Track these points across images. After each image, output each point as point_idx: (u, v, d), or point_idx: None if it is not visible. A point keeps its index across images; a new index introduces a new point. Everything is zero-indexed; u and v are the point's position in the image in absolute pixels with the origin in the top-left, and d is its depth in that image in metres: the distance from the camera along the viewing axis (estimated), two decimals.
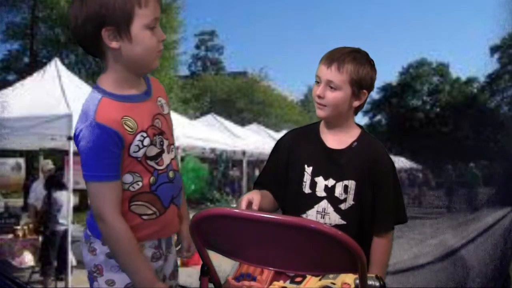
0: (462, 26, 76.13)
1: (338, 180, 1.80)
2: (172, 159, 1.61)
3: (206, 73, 40.31)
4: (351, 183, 1.80)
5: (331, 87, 1.78)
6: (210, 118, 15.99)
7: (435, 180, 27.64)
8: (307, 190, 1.83)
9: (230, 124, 16.02)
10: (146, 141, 1.51)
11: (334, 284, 1.57)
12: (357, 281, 1.37)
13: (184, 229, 1.71)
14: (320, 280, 1.59)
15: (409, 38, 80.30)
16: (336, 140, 1.85)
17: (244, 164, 14.92)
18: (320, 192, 1.81)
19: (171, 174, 1.59)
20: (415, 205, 20.71)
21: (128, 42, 1.45)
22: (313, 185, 1.82)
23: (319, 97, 1.80)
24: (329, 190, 1.80)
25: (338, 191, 1.80)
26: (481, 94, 42.40)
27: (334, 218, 1.79)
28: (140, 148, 1.50)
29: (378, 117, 49.28)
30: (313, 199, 1.81)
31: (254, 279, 1.64)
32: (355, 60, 1.78)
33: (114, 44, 1.45)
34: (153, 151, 1.53)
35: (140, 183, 1.52)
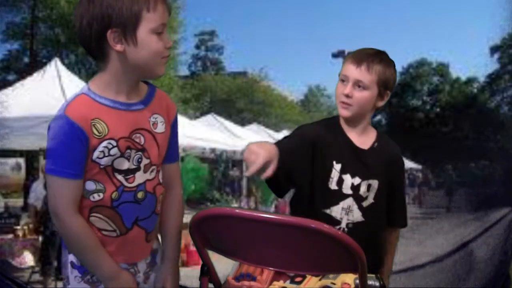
0: (462, 26, 76.14)
1: (363, 179, 1.84)
2: (149, 180, 1.51)
3: (206, 73, 40.27)
4: (374, 182, 1.85)
5: (359, 86, 1.81)
6: (210, 118, 15.98)
7: (435, 180, 27.65)
8: (333, 186, 1.84)
9: (230, 124, 16.01)
10: (114, 151, 1.43)
11: (334, 284, 1.57)
12: (357, 281, 1.37)
13: (164, 269, 1.60)
14: (320, 280, 1.59)
15: (409, 38, 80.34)
16: (360, 139, 1.89)
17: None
18: (347, 189, 1.84)
19: (140, 194, 1.49)
20: (415, 205, 20.72)
21: (133, 46, 1.42)
22: (340, 182, 1.84)
23: (347, 96, 1.82)
24: (355, 188, 1.84)
25: (363, 189, 1.84)
26: (481, 94, 42.39)
27: (357, 215, 1.83)
28: (104, 155, 1.43)
29: (378, 117, 49.23)
30: (339, 196, 1.83)
31: (254, 279, 1.64)
32: (383, 61, 1.83)
33: (118, 47, 1.41)
34: (124, 165, 1.46)
35: (102, 195, 1.45)
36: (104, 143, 1.42)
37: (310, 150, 1.82)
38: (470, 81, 45.35)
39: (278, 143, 1.73)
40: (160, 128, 1.55)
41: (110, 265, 1.46)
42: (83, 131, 1.39)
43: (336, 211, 1.82)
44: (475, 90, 44.43)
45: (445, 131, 42.86)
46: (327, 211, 1.82)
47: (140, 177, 1.49)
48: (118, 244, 1.49)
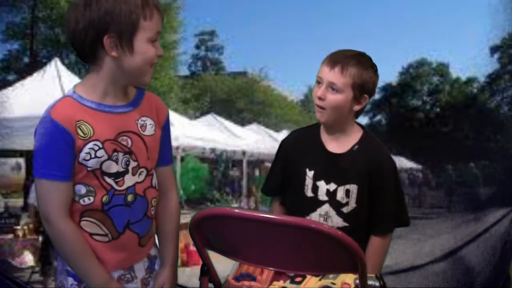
0: (462, 26, 75.85)
1: (339, 184, 1.80)
2: (138, 182, 1.50)
3: (206, 73, 40.26)
4: (353, 187, 1.80)
5: (333, 89, 1.76)
6: (210, 118, 15.99)
7: (435, 180, 27.63)
8: (309, 193, 1.83)
9: (230, 124, 16.02)
10: (100, 153, 1.42)
11: (334, 284, 1.57)
12: (357, 281, 1.37)
13: (161, 274, 1.59)
14: (320, 280, 1.59)
15: (409, 38, 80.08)
16: (337, 144, 1.84)
17: (244, 164, 14.93)
18: (322, 196, 1.81)
19: (130, 197, 1.48)
20: (415, 205, 20.70)
21: (128, 53, 1.42)
22: (315, 189, 1.82)
23: (319, 98, 1.78)
24: (331, 194, 1.81)
25: (340, 195, 1.80)
26: (481, 94, 42.33)
27: (337, 221, 1.80)
28: (91, 157, 1.42)
29: (378, 117, 49.24)
30: (315, 203, 1.82)
31: (254, 279, 1.64)
32: (359, 64, 1.77)
33: (113, 53, 1.41)
34: (113, 168, 1.45)
35: (92, 198, 1.44)
36: (90, 145, 1.41)
37: (289, 164, 1.89)
38: (470, 81, 45.30)
39: (270, 174, 1.99)
40: (149, 130, 1.54)
41: (101, 273, 1.44)
42: (69, 132, 1.39)
43: (314, 218, 1.81)
44: (475, 90, 44.37)
45: (445, 131, 42.83)
46: (307, 218, 1.80)
47: (129, 180, 1.49)
48: (110, 249, 1.48)
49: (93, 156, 1.42)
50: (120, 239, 1.49)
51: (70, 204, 1.43)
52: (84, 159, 1.42)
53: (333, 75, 1.75)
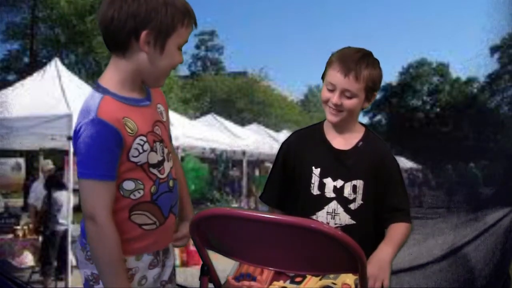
0: (462, 26, 75.89)
1: (346, 180, 1.82)
2: (171, 167, 1.60)
3: (206, 73, 40.28)
4: (360, 183, 1.82)
5: (347, 95, 1.80)
6: (210, 118, 15.97)
7: (435, 180, 27.63)
8: (315, 191, 1.84)
9: (230, 124, 16.00)
10: (146, 146, 1.49)
11: (334, 284, 1.57)
12: (357, 282, 1.37)
13: (184, 228, 1.69)
14: (320, 280, 1.59)
15: (409, 38, 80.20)
16: (341, 140, 1.87)
17: (244, 164, 14.92)
18: (329, 193, 1.83)
19: (171, 183, 1.58)
20: (415, 205, 20.70)
21: (159, 53, 1.48)
22: (322, 186, 1.83)
23: (336, 105, 1.80)
24: (338, 191, 1.82)
25: (347, 191, 1.82)
26: (481, 94, 42.34)
27: (344, 218, 1.81)
28: (140, 153, 1.48)
29: (378, 117, 49.26)
30: (323, 200, 1.83)
31: (254, 279, 1.65)
32: (369, 66, 1.80)
33: (146, 49, 1.47)
34: (155, 158, 1.52)
35: (142, 192, 1.50)
36: (137, 140, 1.48)
37: (292, 166, 1.89)
38: (470, 81, 45.29)
39: (270, 180, 1.95)
40: (165, 116, 1.64)
41: (125, 283, 1.45)
42: (118, 131, 1.43)
43: (321, 216, 1.82)
44: (475, 90, 44.37)
45: (445, 131, 42.81)
46: (314, 217, 1.81)
47: (167, 167, 1.57)
48: (157, 235, 1.55)
49: (141, 151, 1.48)
50: (165, 224, 1.57)
51: (119, 201, 1.48)
52: (133, 156, 1.47)
53: (348, 83, 1.78)
